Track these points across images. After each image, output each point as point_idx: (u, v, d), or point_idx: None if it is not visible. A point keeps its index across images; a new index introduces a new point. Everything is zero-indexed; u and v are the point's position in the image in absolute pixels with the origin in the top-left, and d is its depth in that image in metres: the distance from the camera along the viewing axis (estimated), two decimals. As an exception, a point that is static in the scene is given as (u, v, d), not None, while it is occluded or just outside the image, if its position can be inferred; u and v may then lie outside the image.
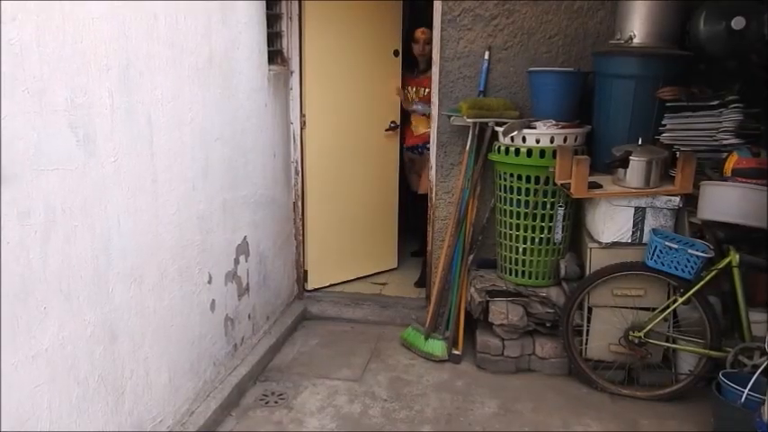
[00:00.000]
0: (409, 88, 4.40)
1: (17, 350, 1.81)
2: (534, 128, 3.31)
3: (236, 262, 3.25)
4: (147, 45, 2.37)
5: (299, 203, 4.11)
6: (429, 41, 3.99)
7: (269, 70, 3.55)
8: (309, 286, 4.32)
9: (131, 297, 2.36)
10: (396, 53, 4.40)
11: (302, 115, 4.00)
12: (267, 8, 3.52)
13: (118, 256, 2.26)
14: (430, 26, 3.79)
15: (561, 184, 3.17)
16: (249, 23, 3.26)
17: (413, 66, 4.41)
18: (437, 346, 3.60)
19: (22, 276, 1.81)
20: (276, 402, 3.15)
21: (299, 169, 4.06)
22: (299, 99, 3.96)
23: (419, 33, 4.25)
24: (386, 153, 4.53)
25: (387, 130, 4.46)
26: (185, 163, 2.69)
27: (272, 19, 3.67)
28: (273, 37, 3.70)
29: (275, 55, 3.74)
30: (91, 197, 2.10)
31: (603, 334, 3.21)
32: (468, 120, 3.46)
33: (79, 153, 2.03)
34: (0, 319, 1.74)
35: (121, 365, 2.32)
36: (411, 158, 4.58)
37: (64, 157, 1.96)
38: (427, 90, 4.13)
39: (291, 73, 3.89)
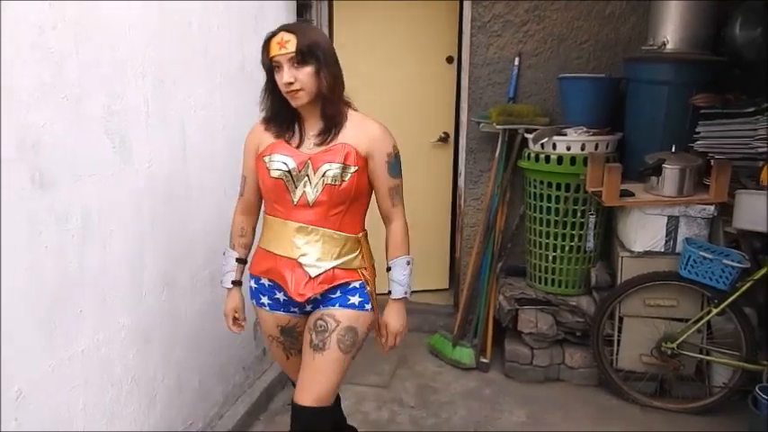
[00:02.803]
0: (296, 177, 1.94)
1: (54, 352, 1.85)
2: (565, 135, 3.28)
3: (266, 267, 3.27)
4: (181, 53, 2.41)
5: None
6: (304, 61, 1.83)
7: (299, 77, 3.57)
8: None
9: (164, 301, 2.39)
10: (449, 60, 3.98)
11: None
12: (297, 15, 3.54)
13: (151, 261, 2.29)
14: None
15: (592, 192, 3.13)
16: (280, 31, 3.29)
17: (285, 124, 1.99)
18: (465, 354, 3.58)
19: (59, 280, 1.85)
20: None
21: (328, 175, 4.06)
22: (328, 105, 3.96)
23: (275, 45, 1.85)
24: (435, 165, 4.14)
25: (437, 141, 4.10)
26: (217, 169, 2.72)
27: (303, 26, 3.69)
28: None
29: (305, 62, 3.76)
30: (126, 203, 2.14)
31: (635, 344, 3.16)
32: (498, 126, 3.44)
33: (115, 159, 2.06)
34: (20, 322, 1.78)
35: (154, 369, 2.35)
36: (287, 325, 2.09)
37: (100, 162, 2.00)
38: (346, 175, 1.91)
39: (321, 80, 3.91)
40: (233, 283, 2.13)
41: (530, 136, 3.36)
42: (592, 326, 3.23)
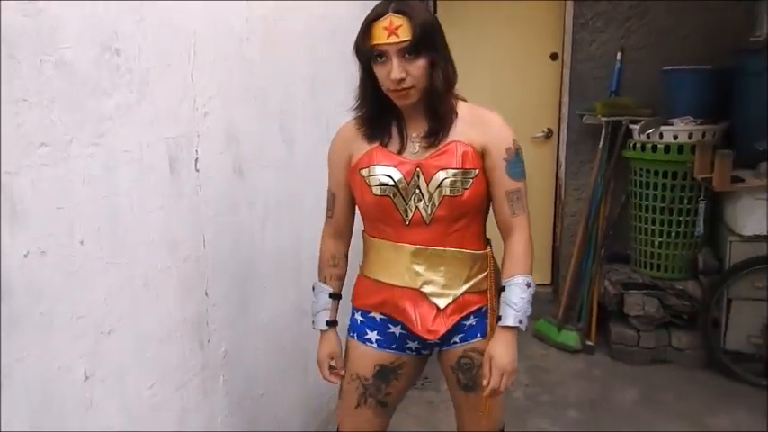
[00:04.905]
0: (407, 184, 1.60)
1: (248, 320, 2.13)
2: (671, 125, 3.41)
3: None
4: (327, 57, 2.67)
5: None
6: (417, 52, 1.48)
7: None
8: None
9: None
10: (554, 57, 4.04)
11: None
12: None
13: (306, 245, 2.55)
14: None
15: (701, 179, 3.25)
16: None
17: (382, 125, 1.64)
18: (570, 337, 3.73)
19: (250, 257, 2.13)
20: (423, 385, 3.37)
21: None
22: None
23: (380, 31, 1.46)
24: (538, 163, 4.01)
25: (540, 137, 4.15)
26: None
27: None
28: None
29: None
30: (291, 192, 2.41)
31: (743, 326, 3.26)
32: (603, 118, 3.59)
33: (285, 152, 2.34)
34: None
35: (308, 341, 2.61)
36: (390, 365, 1.78)
37: (276, 155, 2.28)
38: (467, 182, 1.57)
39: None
40: (328, 323, 1.79)
41: (635, 127, 3.49)
42: (701, 309, 3.34)
